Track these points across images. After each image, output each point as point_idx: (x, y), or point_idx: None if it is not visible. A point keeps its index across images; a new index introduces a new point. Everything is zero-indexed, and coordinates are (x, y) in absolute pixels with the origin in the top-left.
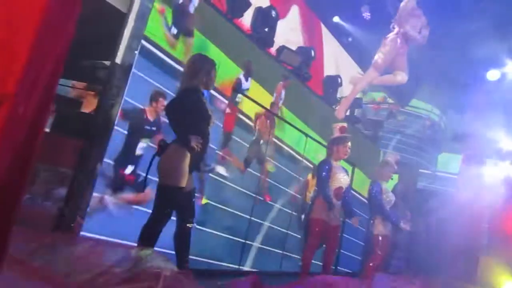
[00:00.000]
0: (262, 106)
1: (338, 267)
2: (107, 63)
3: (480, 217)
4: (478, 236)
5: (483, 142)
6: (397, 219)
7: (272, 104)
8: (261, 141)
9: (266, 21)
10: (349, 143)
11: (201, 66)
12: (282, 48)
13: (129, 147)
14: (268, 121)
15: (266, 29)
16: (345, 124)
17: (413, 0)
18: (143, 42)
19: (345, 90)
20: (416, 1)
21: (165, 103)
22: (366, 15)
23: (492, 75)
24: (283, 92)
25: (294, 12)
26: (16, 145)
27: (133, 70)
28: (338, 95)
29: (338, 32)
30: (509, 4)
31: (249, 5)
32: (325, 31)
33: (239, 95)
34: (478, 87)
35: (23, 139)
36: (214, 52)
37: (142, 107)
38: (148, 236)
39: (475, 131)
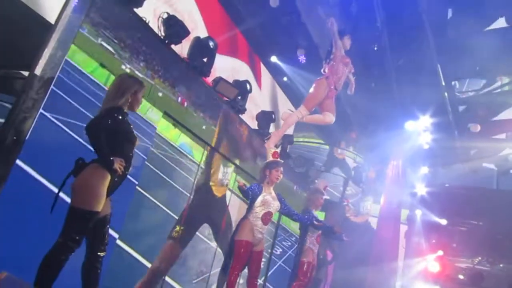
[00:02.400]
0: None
1: None
2: (26, 73)
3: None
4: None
5: (400, 186)
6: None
7: None
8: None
9: (204, 51)
10: (282, 168)
11: (128, 86)
12: (218, 79)
13: None
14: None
15: (204, 59)
16: (278, 150)
17: (341, 49)
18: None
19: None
20: (344, 51)
21: None
22: (302, 58)
23: (409, 125)
24: None
25: (236, 48)
26: None
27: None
28: (271, 130)
29: (275, 71)
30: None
31: (187, 33)
32: (263, 68)
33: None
34: (398, 135)
35: None
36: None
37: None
38: (50, 265)
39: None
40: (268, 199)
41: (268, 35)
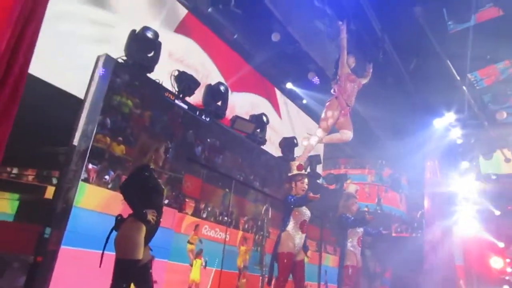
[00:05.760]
0: None
1: None
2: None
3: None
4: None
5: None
6: (375, 229)
7: None
8: None
9: (216, 95)
10: (306, 180)
11: (150, 146)
12: (235, 118)
13: None
14: None
15: (219, 103)
16: (302, 162)
17: (346, 67)
18: None
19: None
20: (350, 68)
21: None
22: (316, 80)
23: (437, 123)
24: None
25: (249, 84)
26: None
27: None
28: (295, 155)
29: (293, 96)
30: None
31: (198, 84)
32: (280, 97)
33: None
34: (427, 136)
35: None
36: None
37: None
38: None
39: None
40: (301, 209)
41: (278, 65)
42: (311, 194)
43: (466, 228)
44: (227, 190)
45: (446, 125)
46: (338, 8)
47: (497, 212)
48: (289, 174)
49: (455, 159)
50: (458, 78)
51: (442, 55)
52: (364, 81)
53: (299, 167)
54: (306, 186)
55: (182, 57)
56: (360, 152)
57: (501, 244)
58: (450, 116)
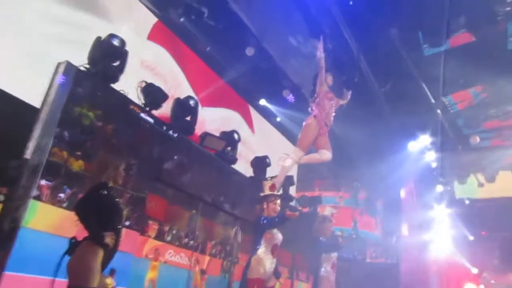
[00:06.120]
0: None
1: None
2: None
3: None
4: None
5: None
6: (350, 254)
7: None
8: None
9: (186, 110)
10: (279, 201)
11: (109, 163)
12: (205, 135)
13: None
14: None
15: (188, 118)
16: (275, 183)
17: (324, 85)
18: None
19: (275, 169)
20: (328, 86)
21: None
22: (290, 97)
23: (412, 146)
24: None
25: (221, 99)
26: None
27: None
28: (267, 175)
29: (266, 114)
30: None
31: (166, 97)
32: (254, 113)
33: None
34: (403, 159)
35: None
36: None
37: None
38: None
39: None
40: (273, 231)
41: (252, 81)
42: (288, 212)
43: (442, 254)
44: (194, 211)
45: (421, 148)
46: (315, 27)
47: (471, 237)
48: (261, 194)
49: (431, 183)
50: (433, 100)
51: (417, 77)
52: (342, 102)
53: (272, 187)
54: (279, 208)
55: (153, 64)
56: (335, 174)
57: (475, 270)
58: (425, 139)
